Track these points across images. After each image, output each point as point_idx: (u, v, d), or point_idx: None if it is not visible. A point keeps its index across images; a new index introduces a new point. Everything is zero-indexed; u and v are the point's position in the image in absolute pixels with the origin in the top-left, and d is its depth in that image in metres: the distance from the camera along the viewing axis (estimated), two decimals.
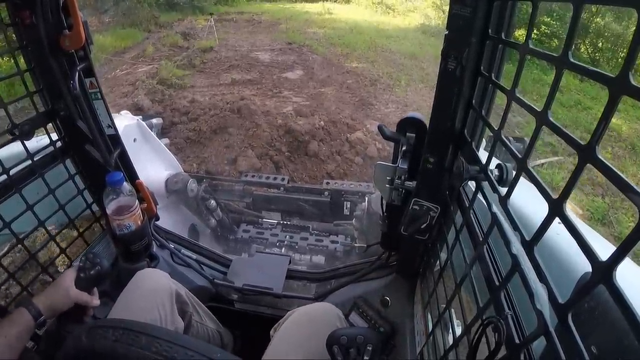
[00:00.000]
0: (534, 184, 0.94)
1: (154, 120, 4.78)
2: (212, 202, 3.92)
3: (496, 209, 1.18)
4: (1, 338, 1.49)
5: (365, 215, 3.56)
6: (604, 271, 0.68)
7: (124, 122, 3.19)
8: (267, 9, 27.12)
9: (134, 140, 3.27)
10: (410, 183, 1.82)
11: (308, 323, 1.85)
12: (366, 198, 3.67)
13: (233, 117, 7.97)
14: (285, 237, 4.12)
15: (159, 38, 17.83)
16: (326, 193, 4.32)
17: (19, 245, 1.95)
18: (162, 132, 5.07)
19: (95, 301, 1.84)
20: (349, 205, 4.22)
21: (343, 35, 19.08)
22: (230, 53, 15.22)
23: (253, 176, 4.68)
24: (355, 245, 3.80)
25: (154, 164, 3.54)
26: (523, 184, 1.05)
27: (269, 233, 4.22)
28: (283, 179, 4.52)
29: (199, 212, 3.92)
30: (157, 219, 2.62)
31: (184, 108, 8.55)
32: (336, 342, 1.59)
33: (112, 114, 2.25)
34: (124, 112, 3.61)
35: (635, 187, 0.63)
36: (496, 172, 1.21)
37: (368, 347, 1.59)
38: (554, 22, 15.69)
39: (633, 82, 0.65)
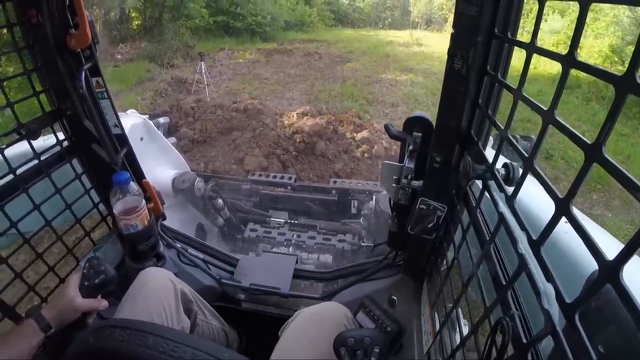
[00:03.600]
0: (541, 183, 0.94)
1: (161, 120, 4.79)
2: (220, 201, 3.92)
3: (503, 208, 1.17)
4: (11, 349, 1.49)
5: (372, 214, 3.57)
6: (610, 270, 0.68)
7: (131, 121, 3.19)
8: (345, 37, 23.75)
9: (141, 139, 3.28)
10: (417, 182, 1.82)
11: (316, 323, 1.85)
12: (374, 197, 3.67)
13: (240, 117, 7.93)
14: (293, 236, 4.12)
15: (161, 81, 14.73)
16: (333, 192, 4.33)
17: (26, 245, 1.95)
18: (168, 132, 5.07)
19: (103, 303, 1.83)
20: (356, 204, 4.23)
21: (439, 89, 14.37)
22: None
23: (260, 175, 4.69)
24: (363, 244, 3.81)
25: (160, 163, 3.54)
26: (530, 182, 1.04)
27: (276, 232, 4.22)
28: (290, 178, 4.53)
29: (206, 212, 3.92)
30: (164, 218, 2.63)
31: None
32: (343, 344, 1.58)
33: (119, 113, 2.25)
34: (130, 111, 3.61)
35: None
36: (503, 171, 1.21)
37: (375, 349, 1.59)
38: None
39: (639, 81, 0.64)
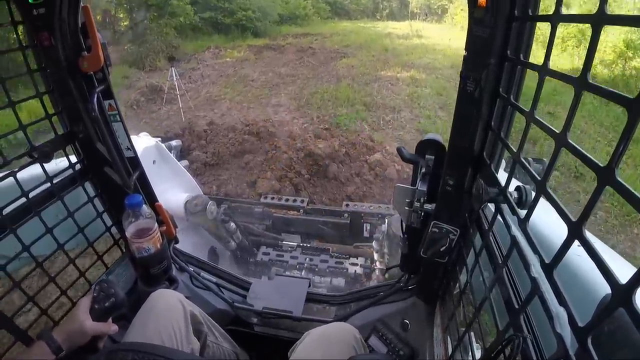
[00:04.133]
0: (553, 206, 0.93)
1: (173, 143, 4.82)
2: (232, 224, 3.93)
3: (515, 231, 1.16)
4: None
5: (385, 238, 3.57)
6: (623, 294, 0.67)
7: (143, 144, 3.21)
8: (341, 29, 22.69)
9: (153, 162, 3.29)
10: (430, 205, 1.81)
11: (324, 343, 1.84)
12: (386, 220, 3.66)
13: (252, 140, 7.95)
14: (305, 259, 4.12)
15: (137, 89, 13.60)
16: (346, 215, 4.35)
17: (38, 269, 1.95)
18: (180, 155, 5.08)
19: (113, 328, 1.83)
20: (368, 227, 4.24)
21: (446, 89, 13.03)
22: None
23: (272, 198, 4.70)
24: (376, 267, 3.79)
25: (173, 186, 3.56)
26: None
27: (289, 255, 4.22)
28: (302, 201, 4.53)
29: (219, 235, 3.93)
30: (177, 241, 2.63)
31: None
32: None
33: (131, 136, 2.25)
34: (143, 134, 3.63)
35: None
36: (515, 194, 1.20)
37: None
38: None
39: None
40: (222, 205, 3.94)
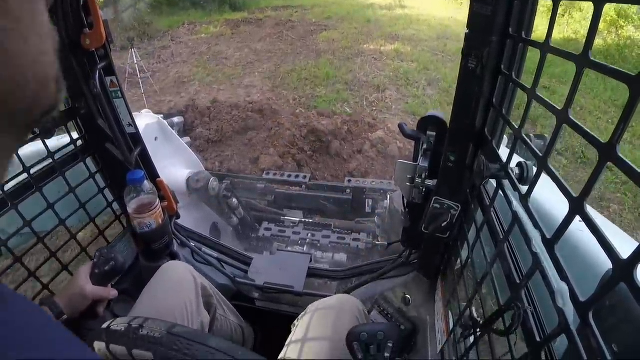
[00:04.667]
0: (555, 182, 0.93)
1: (175, 119, 4.80)
2: (234, 200, 3.93)
3: (517, 207, 1.17)
4: None
5: (387, 213, 3.56)
6: (625, 269, 0.68)
7: (145, 120, 3.20)
8: (323, 1, 21.05)
9: (155, 139, 3.28)
10: (431, 181, 1.82)
11: (328, 313, 1.85)
12: (388, 196, 3.65)
13: (255, 117, 7.94)
14: (307, 235, 4.13)
15: None
16: (348, 191, 4.33)
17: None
18: (183, 132, 5.06)
19: (113, 292, 1.85)
20: (370, 203, 4.22)
21: (434, 63, 12.00)
22: None
23: (275, 174, 4.70)
24: (377, 242, 3.80)
25: (175, 163, 3.55)
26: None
27: (291, 231, 4.23)
28: (305, 177, 4.53)
29: (221, 211, 3.93)
30: (178, 217, 2.64)
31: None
32: (356, 338, 1.58)
33: (133, 113, 2.26)
34: (144, 110, 3.62)
35: None
36: (517, 170, 1.20)
37: (389, 344, 1.58)
38: None
39: None
40: (224, 181, 3.92)
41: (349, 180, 4.44)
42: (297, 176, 4.59)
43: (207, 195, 3.63)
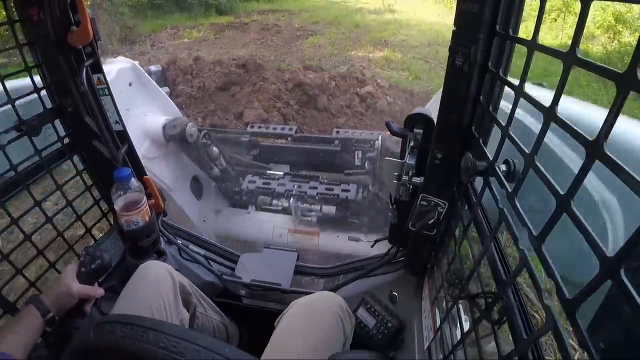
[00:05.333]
0: (541, 179, 0.94)
1: (152, 67, 4.71)
2: (214, 149, 3.80)
3: (504, 204, 1.18)
4: (12, 335, 1.51)
5: (378, 156, 3.50)
6: (611, 266, 0.68)
7: (118, 65, 3.09)
8: (310, 5, 20.74)
9: (130, 84, 3.14)
10: (418, 179, 1.83)
11: (308, 310, 1.85)
12: (379, 136, 3.57)
13: (239, 72, 7.82)
14: (294, 186, 4.03)
15: None
16: (336, 142, 4.16)
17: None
18: (163, 81, 4.95)
19: (99, 291, 1.86)
20: (360, 155, 4.12)
21: (426, 72, 11.21)
22: None
23: (260, 127, 4.58)
24: (369, 191, 3.74)
25: (151, 109, 3.39)
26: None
27: (276, 183, 4.13)
28: (291, 129, 4.42)
29: (201, 161, 3.81)
30: (165, 214, 2.63)
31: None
32: None
33: (109, 59, 2.25)
34: (120, 58, 3.51)
35: None
36: (504, 167, 1.21)
37: None
38: None
39: None
40: (203, 130, 3.81)
41: (337, 132, 4.25)
42: (282, 128, 4.41)
43: (185, 143, 3.47)
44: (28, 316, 1.58)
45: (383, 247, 2.40)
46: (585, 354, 0.75)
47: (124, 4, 16.54)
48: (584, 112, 1.85)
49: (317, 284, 2.69)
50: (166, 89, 4.98)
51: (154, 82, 3.51)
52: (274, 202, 3.94)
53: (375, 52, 13.16)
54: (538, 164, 0.98)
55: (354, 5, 20.75)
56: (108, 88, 2.16)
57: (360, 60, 12.37)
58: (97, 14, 14.82)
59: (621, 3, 0.78)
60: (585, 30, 0.77)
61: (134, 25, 16.09)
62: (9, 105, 1.83)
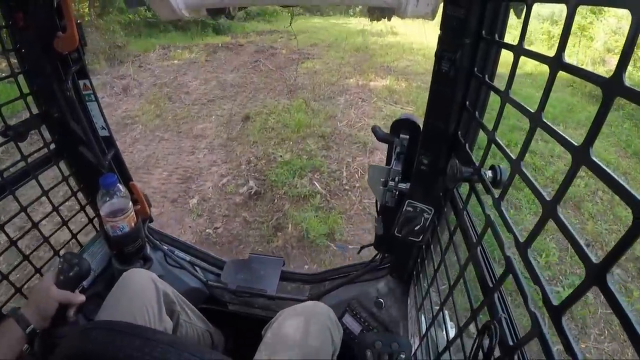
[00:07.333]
0: (528, 185, 0.94)
1: None
2: None
3: (490, 210, 1.18)
4: None
5: None
6: (597, 273, 0.68)
7: None
8: (310, 26, 20.57)
9: None
10: (404, 185, 1.83)
11: (298, 322, 1.84)
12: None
13: None
14: None
15: None
16: None
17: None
18: None
19: (80, 297, 1.84)
20: None
21: None
22: None
23: None
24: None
25: None
26: None
27: None
28: None
29: None
30: (151, 220, 2.62)
31: None
32: (370, 346, 1.58)
33: None
34: None
35: (630, 190, 0.63)
36: (490, 173, 1.21)
37: (402, 355, 1.58)
38: None
39: (627, 83, 0.65)
40: None
41: None
42: None
43: None
44: (7, 330, 1.57)
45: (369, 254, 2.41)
46: None
47: (115, 22, 16.17)
48: None
49: (303, 290, 2.69)
50: None
51: None
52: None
53: (377, 80, 11.93)
54: (524, 170, 0.98)
55: (355, 27, 20.53)
56: (94, 93, 2.15)
57: (359, 90, 10.95)
58: (87, 31, 14.72)
59: (612, 9, 0.78)
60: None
61: (124, 44, 15.34)
62: None
